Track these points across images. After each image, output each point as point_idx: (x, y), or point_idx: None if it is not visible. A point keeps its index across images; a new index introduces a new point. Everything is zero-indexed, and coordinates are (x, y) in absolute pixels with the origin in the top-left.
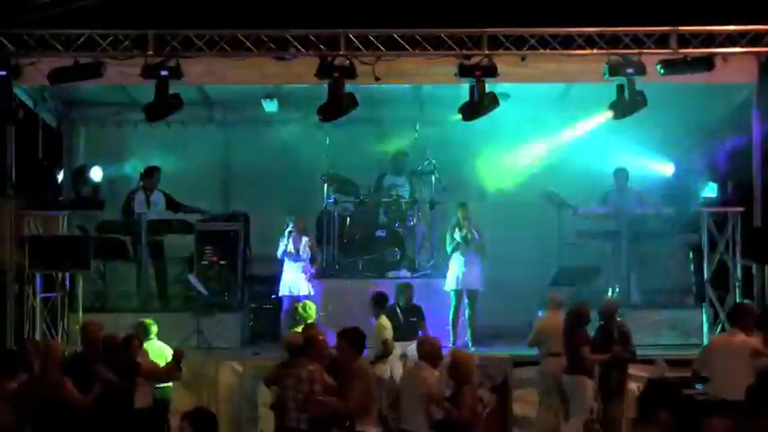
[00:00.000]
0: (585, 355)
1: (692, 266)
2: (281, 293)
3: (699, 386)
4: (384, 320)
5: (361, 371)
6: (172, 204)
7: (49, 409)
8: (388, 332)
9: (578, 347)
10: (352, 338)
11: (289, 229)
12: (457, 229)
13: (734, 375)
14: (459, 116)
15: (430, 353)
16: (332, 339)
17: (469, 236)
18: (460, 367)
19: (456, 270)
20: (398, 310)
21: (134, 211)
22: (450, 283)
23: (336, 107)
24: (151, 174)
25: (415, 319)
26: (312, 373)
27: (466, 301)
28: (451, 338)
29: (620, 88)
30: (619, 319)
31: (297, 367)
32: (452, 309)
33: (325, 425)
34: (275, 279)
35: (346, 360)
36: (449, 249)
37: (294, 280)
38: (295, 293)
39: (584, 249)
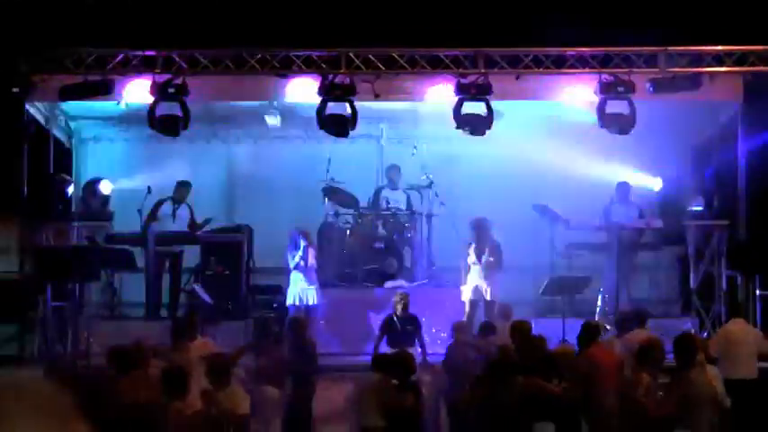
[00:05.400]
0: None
1: (679, 277)
2: (288, 303)
3: None
4: None
5: (686, 380)
6: (192, 222)
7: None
8: None
9: None
10: (685, 345)
11: (304, 243)
12: (473, 248)
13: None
14: (461, 131)
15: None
16: None
17: (483, 258)
18: None
19: (472, 281)
20: (396, 319)
21: (158, 220)
22: (466, 294)
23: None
24: (182, 188)
25: (411, 327)
26: (642, 378)
27: (483, 311)
28: None
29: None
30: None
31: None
32: (466, 318)
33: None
34: (277, 289)
35: (679, 367)
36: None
37: (303, 290)
38: (304, 303)
39: (576, 261)
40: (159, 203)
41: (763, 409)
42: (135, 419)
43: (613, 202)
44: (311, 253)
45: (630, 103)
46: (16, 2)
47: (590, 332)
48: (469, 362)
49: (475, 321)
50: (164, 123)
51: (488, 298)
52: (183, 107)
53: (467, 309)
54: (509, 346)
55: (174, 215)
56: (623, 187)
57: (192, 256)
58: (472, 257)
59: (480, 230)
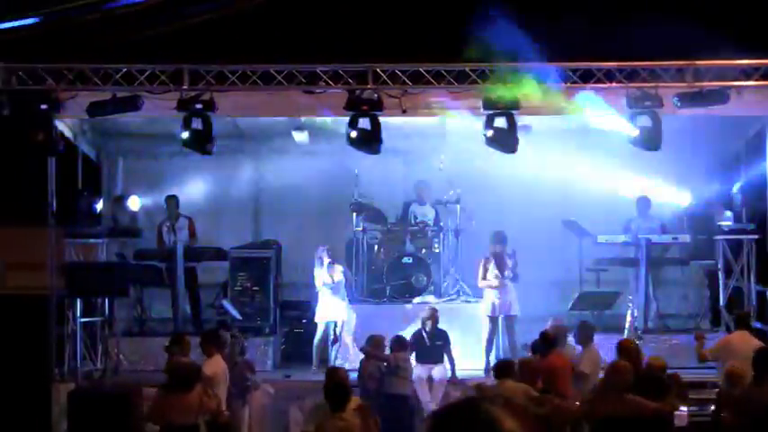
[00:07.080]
0: None
1: (708, 292)
2: (317, 319)
3: None
4: None
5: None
6: (192, 233)
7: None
8: None
9: None
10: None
11: (327, 261)
12: (494, 262)
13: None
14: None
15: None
16: None
17: (507, 271)
18: None
19: (492, 297)
20: (425, 335)
21: (164, 240)
22: (486, 310)
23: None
24: (168, 203)
25: (440, 342)
26: None
27: (503, 326)
28: (484, 363)
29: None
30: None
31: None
32: (487, 334)
33: None
34: (305, 305)
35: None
36: (480, 283)
37: (333, 306)
38: (333, 319)
39: (604, 275)
40: (159, 228)
41: None
42: None
43: (635, 217)
44: (338, 269)
45: (656, 118)
46: (47, 17)
47: (547, 341)
48: (372, 377)
49: (495, 338)
50: (197, 140)
51: (514, 312)
52: (207, 124)
53: (487, 325)
54: (624, 363)
55: (173, 230)
56: (643, 202)
57: (219, 271)
58: (494, 271)
59: (505, 243)
